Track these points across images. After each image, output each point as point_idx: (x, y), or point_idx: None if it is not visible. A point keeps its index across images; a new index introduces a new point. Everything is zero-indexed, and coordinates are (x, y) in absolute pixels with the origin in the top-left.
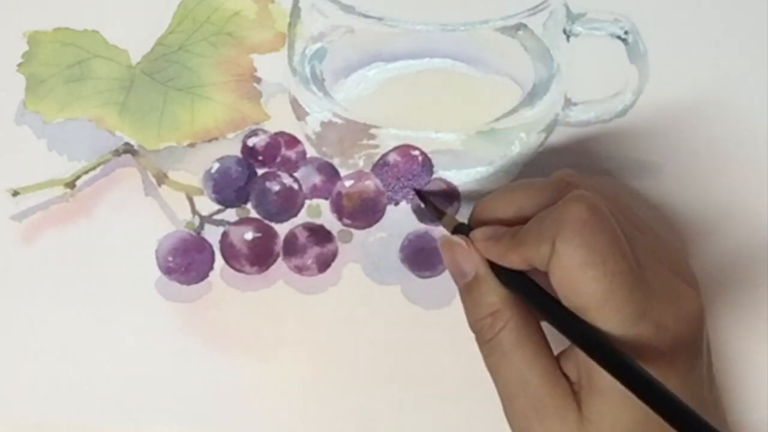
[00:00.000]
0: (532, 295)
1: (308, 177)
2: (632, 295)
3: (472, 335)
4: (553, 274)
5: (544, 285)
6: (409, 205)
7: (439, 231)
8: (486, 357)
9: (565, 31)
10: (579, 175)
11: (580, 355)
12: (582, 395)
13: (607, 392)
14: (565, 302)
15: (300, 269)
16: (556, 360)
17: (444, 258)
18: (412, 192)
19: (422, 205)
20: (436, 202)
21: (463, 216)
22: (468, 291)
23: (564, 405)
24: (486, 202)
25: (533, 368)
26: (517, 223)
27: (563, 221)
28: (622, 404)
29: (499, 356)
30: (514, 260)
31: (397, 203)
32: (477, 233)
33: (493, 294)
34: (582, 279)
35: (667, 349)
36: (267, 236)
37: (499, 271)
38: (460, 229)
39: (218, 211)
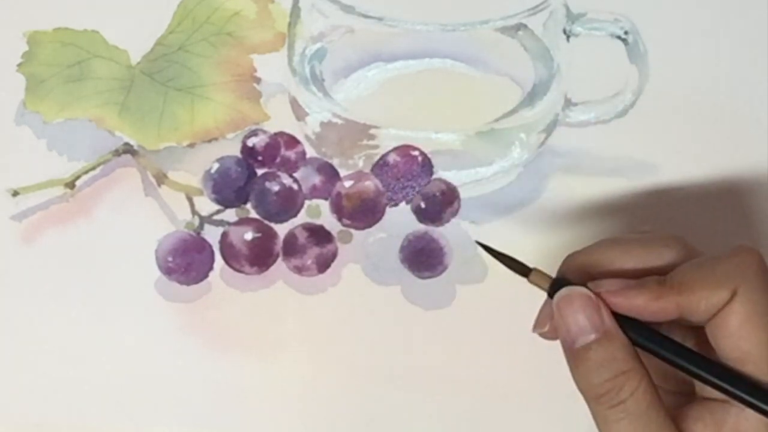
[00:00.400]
0: (671, 348)
1: (308, 177)
2: None
3: (471, 336)
4: (727, 322)
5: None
6: (409, 206)
7: (438, 232)
8: (613, 422)
9: (565, 31)
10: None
11: (707, 411)
12: None
13: None
14: (729, 352)
15: (300, 269)
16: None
17: (561, 316)
18: (413, 193)
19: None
20: (436, 203)
21: (461, 217)
22: (589, 350)
23: None
24: (585, 256)
25: (666, 430)
26: (640, 272)
27: (747, 265)
28: None
29: (633, 420)
30: (666, 309)
31: (396, 204)
32: (607, 284)
33: (624, 351)
34: (760, 326)
35: None
36: (267, 236)
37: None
38: (559, 283)
39: (218, 212)
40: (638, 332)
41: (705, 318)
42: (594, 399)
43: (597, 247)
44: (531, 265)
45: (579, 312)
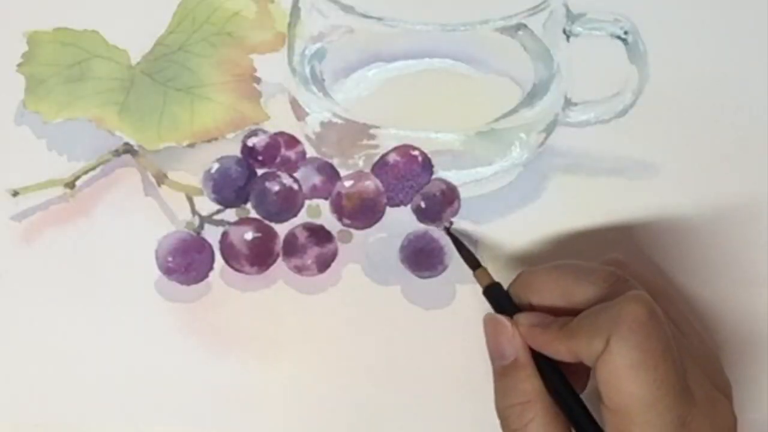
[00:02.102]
0: (561, 390)
1: (308, 177)
2: (675, 403)
3: (470, 336)
4: (601, 371)
5: (575, 378)
6: (409, 206)
7: (439, 232)
8: None
9: (565, 31)
10: (628, 264)
11: None
12: None
13: None
14: (606, 400)
15: (300, 269)
16: None
17: (486, 336)
18: (413, 192)
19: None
20: (436, 203)
21: (461, 217)
22: (503, 374)
23: None
24: (531, 276)
25: None
26: (561, 308)
27: (621, 320)
28: None
29: None
30: (560, 351)
31: (397, 204)
32: (522, 318)
33: (528, 383)
34: (631, 380)
35: None
36: (267, 236)
37: (536, 360)
38: (493, 291)
39: (218, 212)
40: (545, 368)
41: (591, 364)
42: (499, 419)
43: (541, 270)
44: (483, 264)
45: (499, 336)
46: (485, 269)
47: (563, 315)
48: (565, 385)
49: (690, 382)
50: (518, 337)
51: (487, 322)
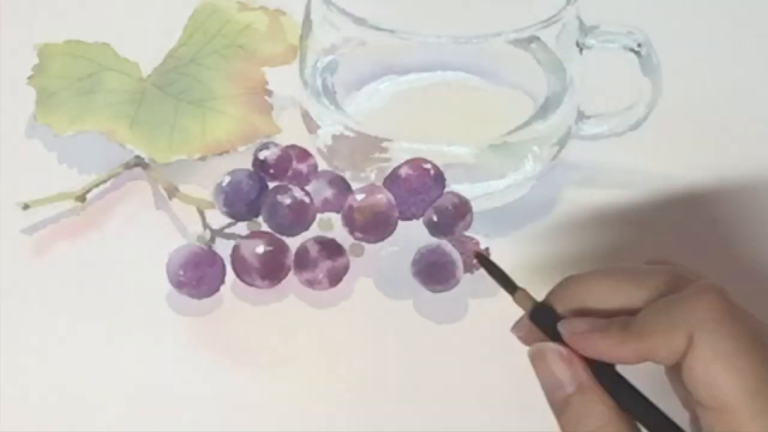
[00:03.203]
0: (634, 400)
1: (320, 190)
2: None
3: (483, 350)
4: (691, 369)
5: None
6: (421, 219)
7: (451, 247)
8: None
9: (578, 44)
10: (675, 264)
11: None
12: None
13: None
14: (705, 400)
15: (311, 283)
16: None
17: (536, 369)
18: (425, 206)
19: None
20: (448, 216)
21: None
22: (567, 404)
23: None
24: (579, 285)
25: None
26: (617, 315)
27: (702, 311)
28: None
29: None
30: (626, 355)
31: (409, 218)
32: (572, 326)
33: (602, 404)
34: (728, 372)
35: None
36: (278, 250)
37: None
38: (541, 313)
39: (229, 225)
40: (611, 380)
41: (670, 363)
42: None
43: (590, 277)
44: (520, 285)
45: (552, 366)
46: (525, 291)
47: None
48: (639, 395)
49: None
50: (576, 360)
51: (536, 354)
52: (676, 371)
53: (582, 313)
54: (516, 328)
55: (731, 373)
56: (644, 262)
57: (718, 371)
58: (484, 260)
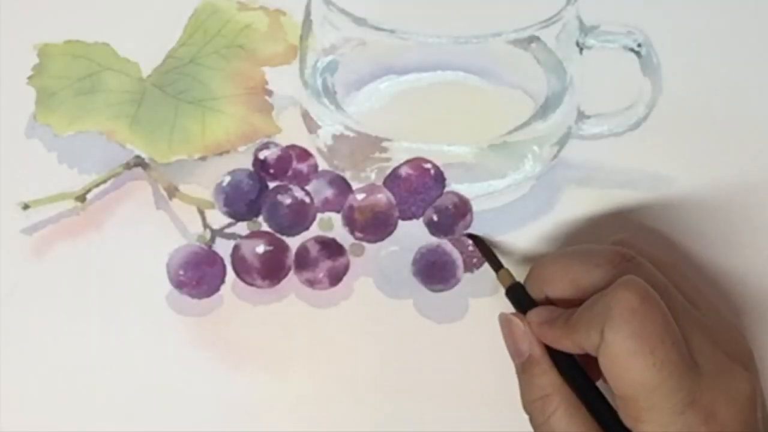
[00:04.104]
0: (578, 382)
1: (320, 190)
2: (681, 383)
3: (483, 349)
4: (602, 361)
5: (594, 367)
6: (421, 219)
7: (451, 246)
8: None
9: (578, 44)
10: (636, 241)
11: None
12: None
13: None
14: (613, 389)
15: (312, 283)
16: None
17: (502, 334)
18: (425, 206)
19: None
20: (448, 216)
21: (473, 230)
22: (522, 371)
23: None
24: (542, 268)
25: None
26: (571, 298)
27: (612, 309)
28: None
29: None
30: (567, 345)
31: (409, 218)
32: (533, 315)
33: (545, 377)
34: (631, 368)
35: None
36: (278, 250)
37: (553, 354)
38: (515, 292)
39: (229, 225)
40: (562, 362)
41: (595, 355)
42: (527, 415)
43: (553, 257)
44: (504, 265)
45: (513, 335)
46: (507, 270)
47: (576, 304)
48: (580, 376)
49: (698, 357)
50: (530, 334)
51: (502, 321)
52: None
53: (549, 299)
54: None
55: (632, 370)
56: (609, 242)
57: (621, 366)
58: (475, 239)
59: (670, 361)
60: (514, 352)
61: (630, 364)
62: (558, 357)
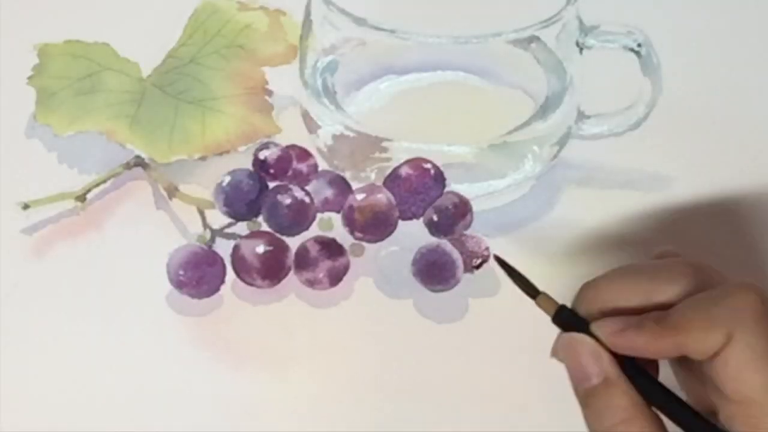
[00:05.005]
0: (662, 398)
1: (320, 190)
2: None
3: (483, 350)
4: (725, 363)
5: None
6: (421, 219)
7: (451, 247)
8: None
9: (578, 44)
10: (680, 255)
11: None
12: None
13: None
14: (732, 394)
15: (312, 283)
16: None
17: (565, 359)
18: (425, 206)
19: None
20: (448, 216)
21: (474, 230)
22: (593, 395)
23: None
24: (597, 289)
25: None
26: (639, 313)
27: (742, 310)
28: None
29: None
30: (665, 348)
31: (409, 218)
32: (605, 326)
33: (626, 398)
34: (759, 370)
35: None
36: (278, 250)
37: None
38: (564, 315)
39: (229, 225)
40: (639, 377)
41: (704, 358)
42: None
43: (607, 279)
44: (541, 289)
45: (580, 358)
46: (546, 294)
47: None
48: (664, 390)
49: None
50: (604, 353)
51: (565, 343)
52: (693, 365)
53: (606, 314)
54: (554, 352)
55: (761, 372)
56: (653, 256)
57: (749, 368)
58: (503, 264)
59: None
60: (582, 376)
61: (759, 365)
62: (632, 373)
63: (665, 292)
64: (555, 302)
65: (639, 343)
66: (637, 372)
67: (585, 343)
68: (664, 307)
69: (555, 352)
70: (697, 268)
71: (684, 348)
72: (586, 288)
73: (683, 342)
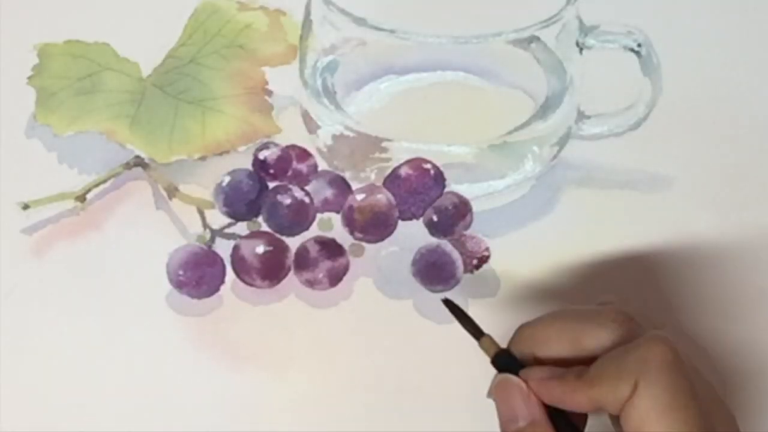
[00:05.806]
0: None
1: (320, 190)
2: None
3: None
4: (631, 416)
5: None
6: (421, 219)
7: (451, 245)
8: None
9: (578, 44)
10: (621, 302)
11: None
12: None
13: None
14: None
15: (311, 283)
16: None
17: (496, 400)
18: (425, 206)
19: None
20: (448, 216)
21: (474, 231)
22: None
23: None
24: (533, 330)
25: None
26: (570, 358)
27: (649, 362)
28: None
29: None
30: (580, 401)
31: (409, 218)
32: (533, 373)
33: None
34: (662, 422)
35: None
36: (278, 250)
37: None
38: (502, 358)
39: (229, 225)
40: (564, 424)
41: (615, 411)
42: None
43: (543, 321)
44: (485, 332)
45: (510, 399)
46: (490, 337)
47: (572, 365)
48: None
49: (712, 422)
50: (533, 397)
51: (499, 384)
52: (616, 419)
53: (540, 357)
54: (490, 392)
55: (664, 424)
56: (596, 304)
57: (651, 419)
58: (452, 307)
59: (698, 419)
60: (511, 417)
61: (663, 417)
62: (558, 421)
63: (594, 337)
64: (497, 345)
65: (557, 393)
66: (563, 420)
67: (517, 385)
68: (595, 351)
69: (490, 392)
70: (626, 316)
71: (598, 402)
72: (522, 329)
73: (596, 396)
